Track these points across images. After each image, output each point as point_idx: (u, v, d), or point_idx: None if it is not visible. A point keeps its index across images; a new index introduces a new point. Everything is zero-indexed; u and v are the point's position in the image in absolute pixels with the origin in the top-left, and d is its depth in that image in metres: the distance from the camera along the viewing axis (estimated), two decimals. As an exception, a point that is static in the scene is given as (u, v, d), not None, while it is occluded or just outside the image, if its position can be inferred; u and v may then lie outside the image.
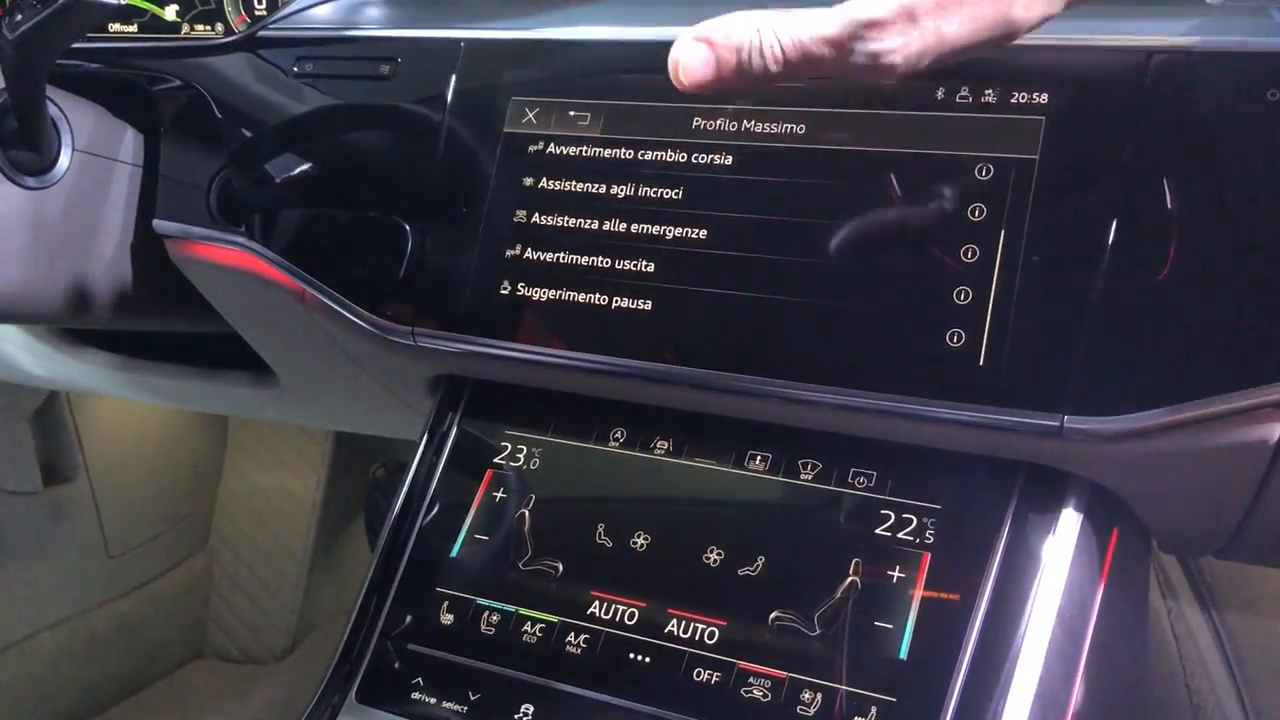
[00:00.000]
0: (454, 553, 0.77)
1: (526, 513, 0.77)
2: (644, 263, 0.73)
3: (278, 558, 1.79)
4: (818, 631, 0.67)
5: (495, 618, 0.74)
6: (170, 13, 0.97)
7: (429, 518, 0.79)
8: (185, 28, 0.97)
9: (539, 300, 0.75)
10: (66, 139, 0.88)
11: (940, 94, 0.69)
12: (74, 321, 0.97)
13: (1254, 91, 0.62)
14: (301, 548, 1.78)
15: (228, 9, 0.95)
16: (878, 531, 0.69)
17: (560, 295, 0.75)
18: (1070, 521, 0.68)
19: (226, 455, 1.83)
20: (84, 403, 1.61)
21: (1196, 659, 1.28)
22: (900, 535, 0.69)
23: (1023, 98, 0.67)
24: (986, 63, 0.68)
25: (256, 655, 1.80)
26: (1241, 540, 0.75)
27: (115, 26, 0.99)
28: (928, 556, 0.68)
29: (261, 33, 0.90)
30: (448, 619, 0.75)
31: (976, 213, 0.66)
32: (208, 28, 0.96)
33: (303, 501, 1.78)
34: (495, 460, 0.80)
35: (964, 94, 0.68)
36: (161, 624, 1.73)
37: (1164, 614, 1.27)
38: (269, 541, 1.80)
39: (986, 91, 0.68)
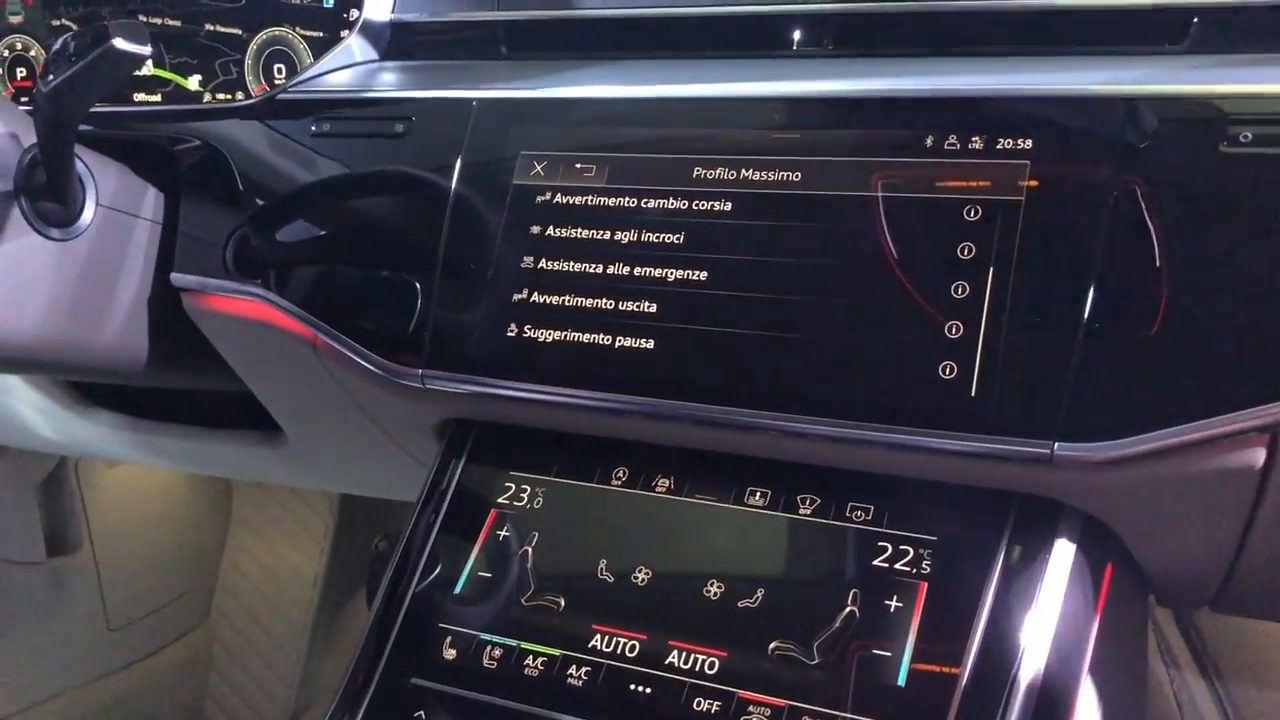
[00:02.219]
0: (457, 589, 0.78)
1: (530, 550, 0.78)
2: (646, 303, 0.75)
3: (278, 632, 1.79)
4: (817, 660, 0.68)
5: (498, 652, 0.75)
6: (194, 82, 1.02)
7: (434, 555, 0.80)
8: (207, 96, 1.02)
9: (545, 341, 0.78)
10: (91, 193, 0.91)
11: (930, 142, 0.72)
12: (90, 373, 1.00)
13: (1223, 133, 0.65)
14: (302, 622, 1.78)
15: (248, 78, 1.00)
16: (875, 563, 0.71)
17: (566, 336, 0.77)
18: (1063, 552, 0.69)
19: (230, 528, 1.84)
20: (91, 473, 1.62)
21: (1201, 729, 1.28)
22: (897, 566, 0.70)
23: (1008, 144, 0.70)
24: (974, 112, 0.71)
25: (253, 733, 1.79)
26: (1235, 584, 0.76)
27: (140, 95, 1.04)
28: (924, 586, 0.69)
29: (280, 96, 0.95)
30: (450, 654, 0.76)
31: (966, 251, 0.69)
32: (228, 96, 1.01)
33: (304, 575, 1.78)
34: (499, 500, 0.81)
35: (952, 141, 0.71)
36: (159, 700, 1.72)
37: (1167, 682, 1.26)
38: (270, 616, 1.79)
39: (973, 139, 0.71)
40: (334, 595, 1.81)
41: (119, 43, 0.74)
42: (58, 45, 0.79)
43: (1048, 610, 0.67)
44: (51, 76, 0.79)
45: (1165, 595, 0.84)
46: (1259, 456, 0.64)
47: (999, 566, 0.68)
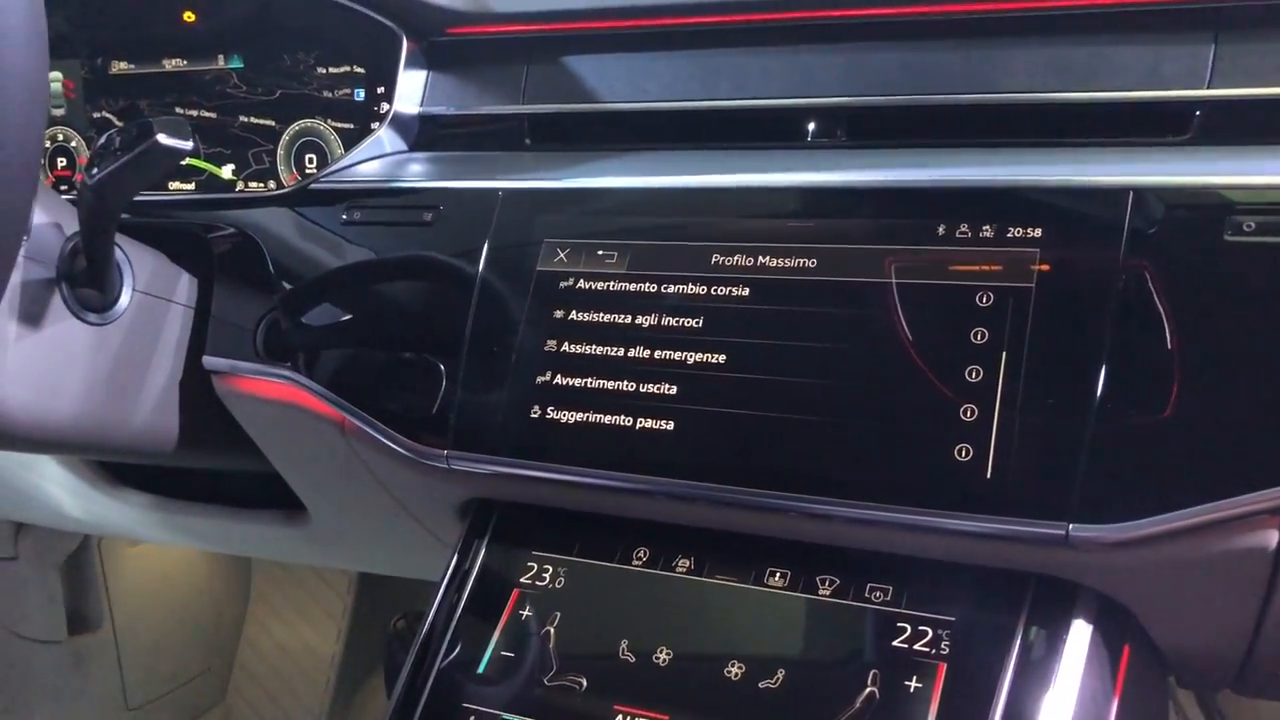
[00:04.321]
0: (480, 669, 0.79)
1: (552, 630, 0.79)
2: (666, 386, 0.77)
3: (294, 713, 1.78)
4: (837, 741, 0.69)
5: (520, 732, 0.75)
6: (227, 172, 1.06)
7: (457, 634, 0.81)
8: (240, 185, 1.05)
9: (567, 423, 0.79)
10: (128, 280, 0.94)
11: (942, 230, 0.74)
12: (122, 454, 1.02)
13: (1226, 223, 0.67)
14: (319, 704, 1.77)
15: (280, 168, 1.04)
16: (894, 644, 0.71)
17: (588, 418, 0.79)
18: (1081, 633, 0.70)
19: (249, 606, 1.85)
20: (114, 552, 1.63)
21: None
22: (916, 647, 0.71)
23: (1018, 232, 0.72)
24: (985, 201, 0.74)
25: (268, 816, 1.77)
26: (1255, 666, 0.76)
27: (175, 184, 1.07)
28: (943, 667, 0.69)
29: (312, 185, 0.98)
30: (474, 734, 0.76)
31: (979, 336, 0.71)
32: (261, 185, 1.05)
33: (322, 655, 1.78)
34: (522, 580, 0.82)
35: (963, 230, 0.74)
36: (174, 782, 1.71)
37: (1191, 766, 1.25)
38: (287, 696, 1.79)
39: (984, 227, 0.73)
40: (351, 675, 1.80)
41: (163, 138, 0.77)
42: (103, 140, 0.82)
43: (1066, 691, 0.68)
44: (96, 170, 0.82)
45: (1185, 676, 0.84)
46: (1271, 539, 0.65)
47: (1017, 647, 0.69)
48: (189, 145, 0.79)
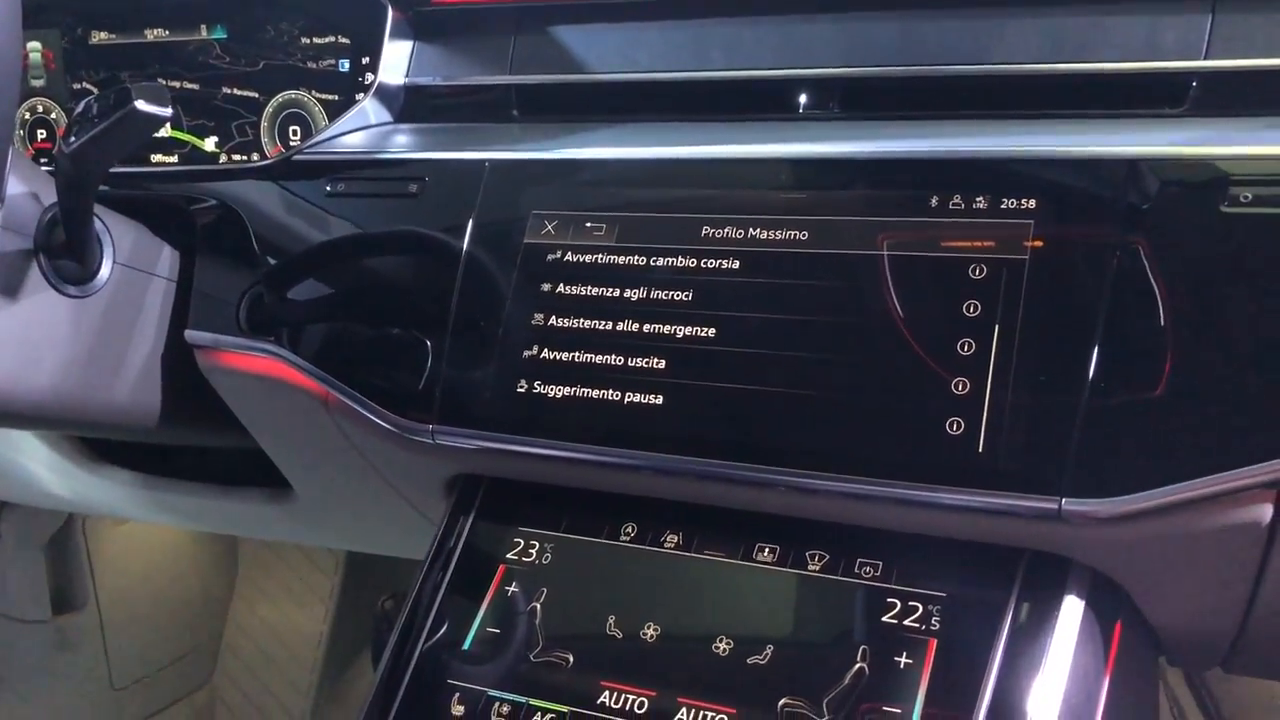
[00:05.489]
0: (466, 646, 0.78)
1: (538, 606, 0.78)
2: (656, 360, 0.76)
3: (283, 693, 1.77)
4: (827, 717, 0.68)
5: (506, 709, 0.74)
6: (210, 144, 1.04)
7: (442, 612, 0.80)
8: (223, 157, 1.04)
9: (555, 397, 0.78)
10: (109, 252, 0.92)
11: (934, 202, 0.73)
12: (103, 429, 1.00)
13: (1223, 194, 0.66)
14: (307, 683, 1.76)
15: (264, 140, 1.02)
16: (884, 619, 0.71)
17: (575, 392, 0.78)
18: (1072, 609, 0.69)
19: (235, 586, 1.84)
20: (99, 531, 1.62)
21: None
22: (906, 622, 0.70)
23: (1012, 204, 0.71)
24: (978, 172, 0.73)
25: (256, 797, 1.77)
26: (1245, 643, 0.76)
27: (157, 157, 1.06)
28: (934, 643, 0.69)
29: (296, 157, 0.96)
30: (459, 710, 0.75)
31: (972, 309, 0.70)
32: (244, 157, 1.03)
33: (309, 636, 1.77)
34: (508, 556, 0.81)
35: (957, 202, 0.73)
36: (160, 762, 1.71)
37: (1180, 746, 1.25)
38: (274, 677, 1.78)
39: (978, 199, 0.72)
40: (339, 655, 1.80)
41: (141, 105, 0.76)
42: (80, 107, 0.80)
43: (1058, 668, 0.67)
44: (74, 138, 0.80)
45: (1176, 654, 0.84)
46: (1265, 513, 0.64)
47: (1008, 623, 0.68)
48: (167, 112, 0.77)
